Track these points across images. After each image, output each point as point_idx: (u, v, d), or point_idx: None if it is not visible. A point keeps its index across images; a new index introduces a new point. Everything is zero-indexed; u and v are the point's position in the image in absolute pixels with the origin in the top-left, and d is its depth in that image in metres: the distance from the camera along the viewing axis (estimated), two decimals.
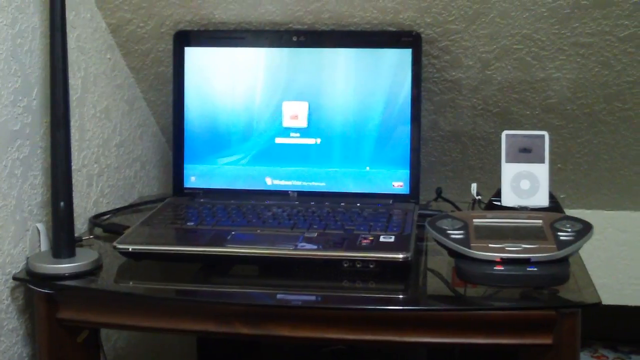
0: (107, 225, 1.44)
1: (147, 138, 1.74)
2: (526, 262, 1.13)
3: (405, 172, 1.45)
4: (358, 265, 1.18)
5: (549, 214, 1.26)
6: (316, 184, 1.48)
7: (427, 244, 1.33)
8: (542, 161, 1.37)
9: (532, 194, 1.36)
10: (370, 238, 1.24)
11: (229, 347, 2.13)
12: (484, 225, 1.22)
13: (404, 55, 1.45)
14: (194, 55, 1.51)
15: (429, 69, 1.53)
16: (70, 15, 1.36)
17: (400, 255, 1.17)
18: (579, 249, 1.17)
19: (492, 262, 1.14)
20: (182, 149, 1.51)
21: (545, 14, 1.40)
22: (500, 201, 1.37)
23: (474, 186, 1.46)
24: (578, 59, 1.47)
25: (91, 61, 1.48)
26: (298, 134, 1.48)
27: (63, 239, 1.25)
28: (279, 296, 1.21)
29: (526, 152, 1.37)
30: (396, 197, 1.45)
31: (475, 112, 1.61)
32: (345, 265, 1.18)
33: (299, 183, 1.48)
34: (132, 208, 1.58)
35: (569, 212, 1.38)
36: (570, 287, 1.15)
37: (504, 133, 1.39)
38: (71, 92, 1.33)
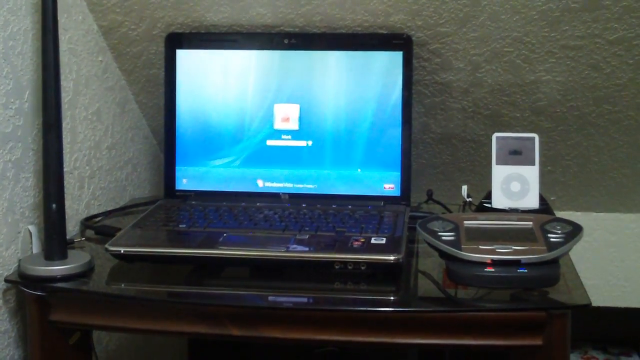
0: (99, 228, 1.45)
1: (138, 140, 1.74)
2: (516, 263, 1.14)
3: (396, 174, 1.46)
4: (349, 267, 1.18)
5: (539, 216, 1.26)
6: (308, 186, 1.48)
7: (418, 245, 1.34)
8: (532, 163, 1.38)
9: (522, 196, 1.37)
10: (362, 240, 1.24)
11: (220, 349, 2.13)
12: (474, 227, 1.23)
13: (394, 58, 1.46)
14: (185, 58, 1.51)
15: (419, 71, 1.53)
16: (62, 18, 1.36)
17: (392, 257, 1.18)
18: (569, 250, 1.18)
19: (483, 264, 1.14)
20: (174, 151, 1.51)
21: (535, 17, 1.41)
22: (490, 203, 1.38)
23: (464, 188, 1.47)
24: (568, 62, 1.48)
25: (83, 63, 1.48)
26: (289, 137, 1.48)
27: (55, 241, 1.25)
28: (270, 298, 1.21)
29: (516, 155, 1.38)
30: (387, 199, 1.45)
31: (465, 115, 1.62)
32: (336, 267, 1.19)
33: (290, 185, 1.48)
34: (123, 210, 1.59)
35: (559, 214, 1.38)
36: (560, 288, 1.16)
37: (495, 135, 1.39)
38: (63, 94, 1.33)
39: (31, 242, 1.32)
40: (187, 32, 1.53)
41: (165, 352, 2.01)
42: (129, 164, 1.70)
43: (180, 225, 1.34)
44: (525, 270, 1.13)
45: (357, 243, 1.23)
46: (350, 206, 1.42)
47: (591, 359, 2.03)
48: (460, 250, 1.15)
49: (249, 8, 1.48)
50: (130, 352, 1.75)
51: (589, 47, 1.45)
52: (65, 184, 1.28)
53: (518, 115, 1.60)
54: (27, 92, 1.31)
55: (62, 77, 1.32)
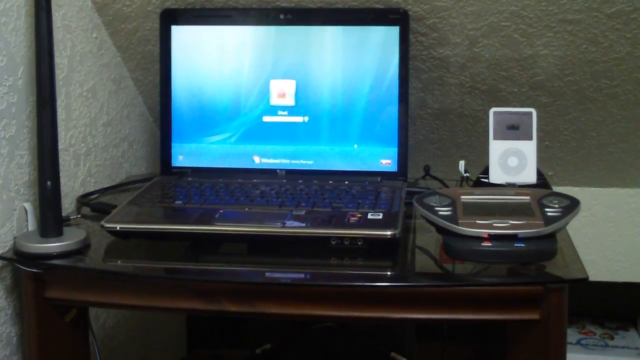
0: (95, 205, 1.44)
1: (134, 117, 1.74)
2: (514, 238, 1.14)
3: (393, 150, 1.45)
4: (346, 243, 1.18)
5: (536, 191, 1.26)
6: (304, 162, 1.47)
7: (415, 221, 1.34)
8: (529, 138, 1.37)
9: (519, 171, 1.36)
10: (358, 215, 1.24)
11: (219, 326, 2.13)
12: (471, 202, 1.22)
13: (391, 33, 1.45)
14: (180, 34, 1.50)
15: (416, 46, 1.52)
16: None
17: (388, 232, 1.18)
18: (566, 224, 1.17)
19: (480, 239, 1.14)
20: (170, 128, 1.51)
21: None
22: (487, 178, 1.37)
23: (461, 163, 1.46)
24: (565, 36, 1.47)
25: (77, 40, 1.47)
26: (286, 112, 1.48)
27: (50, 218, 1.25)
28: (267, 274, 1.21)
29: (514, 129, 1.37)
30: (384, 175, 1.45)
31: (463, 90, 1.61)
32: (333, 242, 1.19)
33: (287, 161, 1.48)
34: (119, 187, 1.58)
35: (557, 189, 1.38)
36: (557, 262, 1.16)
37: (492, 110, 1.39)
38: (57, 71, 1.32)
39: (26, 220, 1.31)
40: (182, 7, 1.52)
41: (163, 330, 2.01)
42: (124, 141, 1.69)
43: (176, 202, 1.33)
44: (523, 245, 1.13)
45: (353, 218, 1.23)
46: (347, 182, 1.41)
47: (589, 333, 2.04)
48: (457, 225, 1.15)
49: None
50: (128, 329, 1.75)
51: (587, 21, 1.44)
52: (60, 161, 1.28)
53: (516, 90, 1.59)
54: (21, 69, 1.30)
55: (57, 53, 1.31)
